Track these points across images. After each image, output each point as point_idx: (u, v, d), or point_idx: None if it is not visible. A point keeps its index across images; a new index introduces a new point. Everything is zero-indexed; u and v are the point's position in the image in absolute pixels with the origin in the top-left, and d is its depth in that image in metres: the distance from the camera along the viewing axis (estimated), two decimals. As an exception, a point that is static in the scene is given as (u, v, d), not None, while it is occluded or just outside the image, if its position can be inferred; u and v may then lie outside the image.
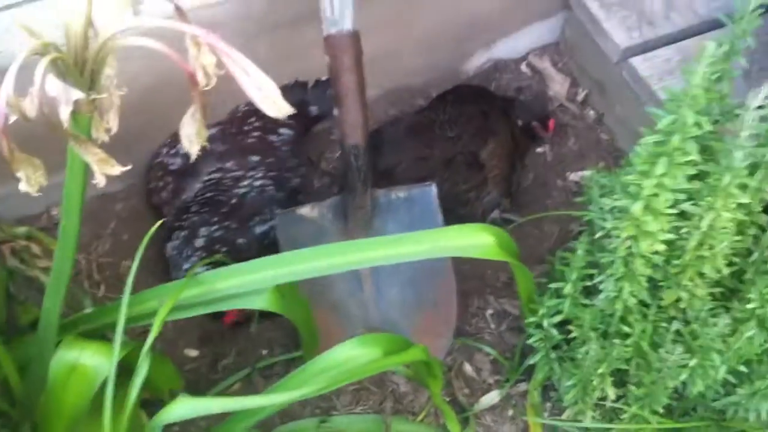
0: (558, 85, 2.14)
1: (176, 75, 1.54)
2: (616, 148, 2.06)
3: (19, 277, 1.75)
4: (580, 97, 2.12)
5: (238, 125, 1.86)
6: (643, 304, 1.44)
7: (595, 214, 1.44)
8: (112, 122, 1.17)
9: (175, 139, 1.83)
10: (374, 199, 1.68)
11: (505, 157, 1.89)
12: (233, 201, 1.76)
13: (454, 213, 1.84)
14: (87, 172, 1.10)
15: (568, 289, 1.46)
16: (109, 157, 1.05)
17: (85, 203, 1.85)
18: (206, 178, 1.79)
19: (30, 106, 0.98)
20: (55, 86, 0.99)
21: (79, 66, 1.06)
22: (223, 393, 1.68)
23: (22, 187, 1.06)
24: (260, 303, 1.26)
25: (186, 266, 1.67)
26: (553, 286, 1.49)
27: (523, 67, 2.18)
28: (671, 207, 1.26)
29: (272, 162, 1.82)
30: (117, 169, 1.07)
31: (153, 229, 1.24)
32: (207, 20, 1.60)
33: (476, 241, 1.27)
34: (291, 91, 1.89)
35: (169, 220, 1.76)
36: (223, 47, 0.90)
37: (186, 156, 1.74)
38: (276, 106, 0.94)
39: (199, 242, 1.70)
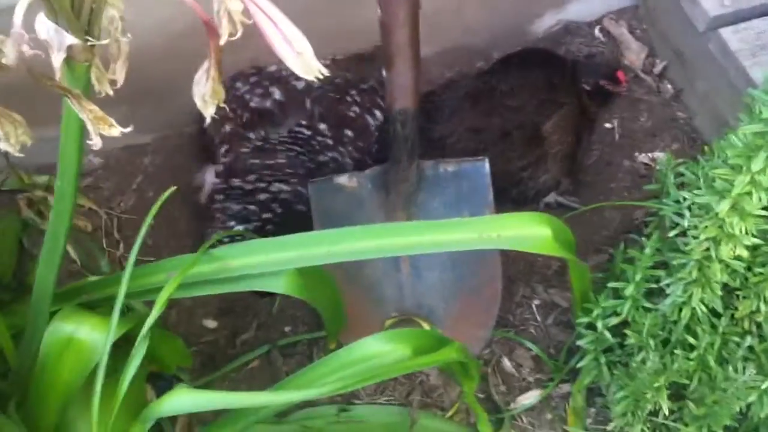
0: (633, 54, 1.93)
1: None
2: (693, 128, 1.85)
3: (34, 231, 1.64)
4: (658, 68, 1.91)
5: (341, 92, 1.69)
6: (714, 313, 1.27)
7: (669, 209, 1.25)
8: (119, 74, 1.02)
9: (261, 76, 1.70)
10: (420, 172, 1.52)
11: (570, 131, 1.70)
12: (312, 166, 1.61)
13: (506, 192, 1.68)
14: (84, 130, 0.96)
15: (630, 290, 1.28)
16: (106, 115, 0.91)
17: (109, 154, 1.76)
18: (296, 129, 1.63)
19: (10, 51, 0.84)
20: (45, 28, 0.85)
21: (76, 5, 0.92)
22: (240, 370, 1.56)
23: (1, 145, 0.93)
24: (279, 286, 1.12)
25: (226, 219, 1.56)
26: (612, 285, 1.31)
27: (597, 32, 1.98)
28: (764, 208, 1.08)
29: (362, 145, 1.66)
30: (116, 130, 0.93)
31: (165, 194, 1.08)
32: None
33: (530, 232, 1.11)
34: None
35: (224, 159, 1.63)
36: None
37: (277, 102, 1.65)
38: (308, 65, 0.79)
39: (261, 196, 1.57)
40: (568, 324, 1.61)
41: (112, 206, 1.71)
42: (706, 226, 1.11)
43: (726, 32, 1.69)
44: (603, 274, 1.45)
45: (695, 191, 1.12)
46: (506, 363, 1.58)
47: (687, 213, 1.18)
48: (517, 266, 1.69)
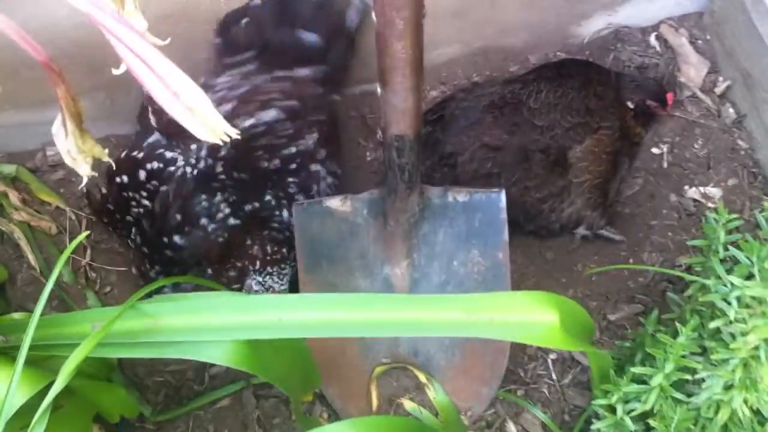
0: (693, 69, 1.66)
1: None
2: (755, 162, 1.59)
3: (-10, 227, 1.46)
4: (720, 88, 1.65)
5: None
6: (759, 417, 1.03)
7: (714, 296, 1.01)
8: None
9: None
10: (426, 199, 1.30)
11: (605, 159, 1.46)
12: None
13: (521, 227, 1.45)
14: None
15: (658, 379, 1.05)
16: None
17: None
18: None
19: None
20: None
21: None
22: (207, 408, 1.37)
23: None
24: (218, 357, 0.91)
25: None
26: (636, 371, 1.08)
27: (652, 40, 1.71)
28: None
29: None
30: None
31: (70, 247, 0.88)
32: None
33: (530, 317, 0.88)
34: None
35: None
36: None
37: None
38: (207, 125, 0.58)
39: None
40: (588, 386, 1.39)
41: (82, 206, 1.52)
42: (758, 326, 0.88)
43: (805, 55, 1.43)
44: (630, 343, 1.22)
45: (747, 283, 0.88)
46: (511, 428, 1.36)
47: (735, 302, 0.94)
48: (533, 311, 1.46)
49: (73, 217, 1.50)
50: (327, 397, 1.35)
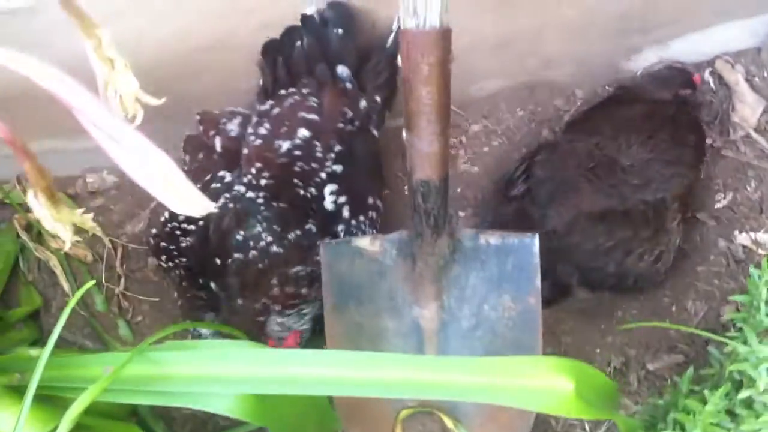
0: (748, 108, 1.59)
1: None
2: (808, 210, 1.51)
3: (31, 255, 1.48)
4: (778, 128, 1.58)
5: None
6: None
7: (744, 362, 0.96)
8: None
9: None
10: (457, 242, 1.27)
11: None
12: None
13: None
14: None
15: (686, 447, 1.00)
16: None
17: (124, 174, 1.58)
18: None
19: None
20: None
21: None
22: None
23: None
24: (227, 408, 0.90)
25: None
26: (665, 435, 1.03)
27: (706, 75, 1.64)
28: None
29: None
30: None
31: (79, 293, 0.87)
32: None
33: (545, 384, 0.84)
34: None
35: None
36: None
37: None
38: (184, 199, 0.56)
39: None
40: (622, 441, 1.33)
41: (119, 233, 1.53)
42: (790, 403, 0.82)
43: None
44: (663, 401, 1.16)
45: (778, 356, 0.83)
46: (539, 479, 1.32)
47: (764, 374, 0.89)
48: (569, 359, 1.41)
49: (110, 246, 1.51)
50: (350, 440, 1.33)
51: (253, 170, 1.33)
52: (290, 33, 1.40)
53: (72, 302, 0.87)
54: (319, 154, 1.37)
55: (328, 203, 1.36)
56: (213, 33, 1.34)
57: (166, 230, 1.32)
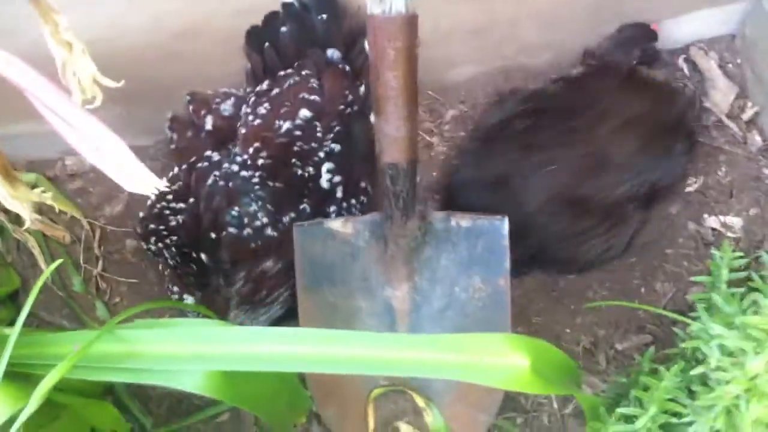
0: (720, 94, 1.62)
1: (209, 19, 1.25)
2: (776, 186, 1.54)
3: (9, 236, 1.50)
4: (747, 114, 1.60)
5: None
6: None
7: (697, 340, 0.98)
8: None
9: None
10: (428, 224, 1.29)
11: None
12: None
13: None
14: None
15: (642, 422, 1.03)
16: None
17: (105, 155, 1.59)
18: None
19: None
20: None
21: None
22: (208, 422, 1.40)
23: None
24: (196, 385, 0.92)
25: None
26: (622, 411, 1.06)
27: (681, 62, 1.67)
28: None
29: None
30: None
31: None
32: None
33: (501, 361, 0.86)
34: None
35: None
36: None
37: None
38: (136, 179, 0.58)
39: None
40: (589, 417, 1.36)
41: (97, 215, 1.55)
42: (735, 378, 0.85)
43: (832, 86, 1.37)
44: (626, 379, 1.19)
45: (724, 334, 0.86)
46: (508, 456, 1.35)
47: (716, 351, 0.91)
48: (540, 338, 1.44)
49: (88, 227, 1.53)
50: (323, 419, 1.35)
51: (251, 150, 1.36)
52: (272, 19, 1.42)
53: (43, 277, 0.89)
54: (319, 134, 1.40)
55: (324, 181, 1.38)
56: (188, 19, 1.35)
57: (154, 212, 1.34)
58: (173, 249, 1.34)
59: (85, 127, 0.57)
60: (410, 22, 1.01)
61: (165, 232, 1.33)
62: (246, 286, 1.29)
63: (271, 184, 1.34)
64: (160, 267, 1.39)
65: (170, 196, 1.32)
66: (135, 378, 0.93)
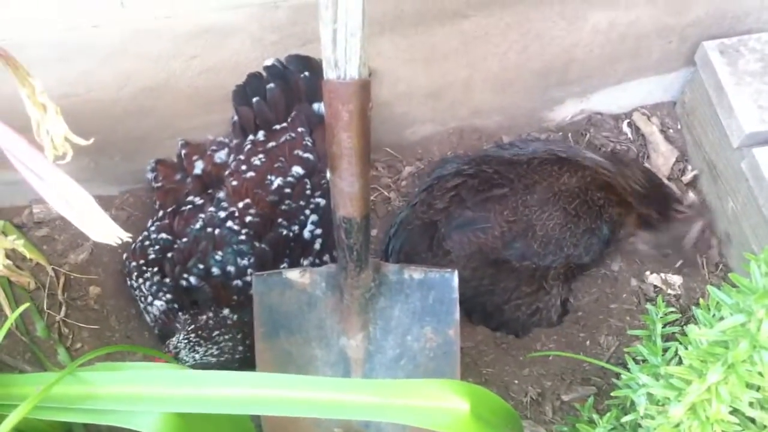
0: (661, 158, 1.71)
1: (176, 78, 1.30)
2: (717, 251, 1.62)
3: (-27, 281, 1.52)
4: (687, 177, 1.69)
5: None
6: None
7: (626, 389, 1.05)
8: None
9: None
10: (383, 275, 1.35)
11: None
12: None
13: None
14: None
15: (579, 467, 1.08)
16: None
17: (71, 204, 1.64)
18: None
19: None
20: None
21: None
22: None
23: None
24: (150, 426, 0.96)
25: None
26: (562, 455, 1.12)
27: (624, 126, 1.76)
28: (732, 413, 0.88)
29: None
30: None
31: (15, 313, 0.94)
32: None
33: (442, 405, 0.92)
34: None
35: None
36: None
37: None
38: (101, 230, 0.64)
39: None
40: (538, 465, 1.42)
41: (62, 262, 1.59)
42: (662, 424, 0.91)
43: (761, 153, 1.47)
44: (568, 429, 1.25)
45: (649, 385, 0.92)
46: (454, 503, 1.39)
47: (643, 399, 0.98)
48: (489, 389, 1.48)
49: (52, 274, 1.57)
50: (277, 460, 1.39)
51: (241, 205, 1.46)
52: (255, 78, 1.50)
53: (7, 324, 0.93)
54: (308, 192, 1.50)
55: (307, 232, 1.47)
56: (154, 78, 1.41)
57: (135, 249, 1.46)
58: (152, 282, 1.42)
59: (54, 181, 0.62)
60: (363, 86, 1.08)
61: (145, 267, 1.42)
62: (208, 322, 1.36)
63: (257, 244, 1.43)
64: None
65: (153, 235, 1.45)
66: (94, 419, 0.97)
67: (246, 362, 1.42)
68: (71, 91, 1.39)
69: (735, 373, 0.80)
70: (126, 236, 0.64)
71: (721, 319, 0.80)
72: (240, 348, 1.40)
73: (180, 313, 1.39)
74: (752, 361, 0.78)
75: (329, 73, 1.08)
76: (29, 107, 0.73)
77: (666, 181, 1.66)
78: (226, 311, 1.39)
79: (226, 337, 1.38)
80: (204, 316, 1.38)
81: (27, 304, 1.01)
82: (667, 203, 1.59)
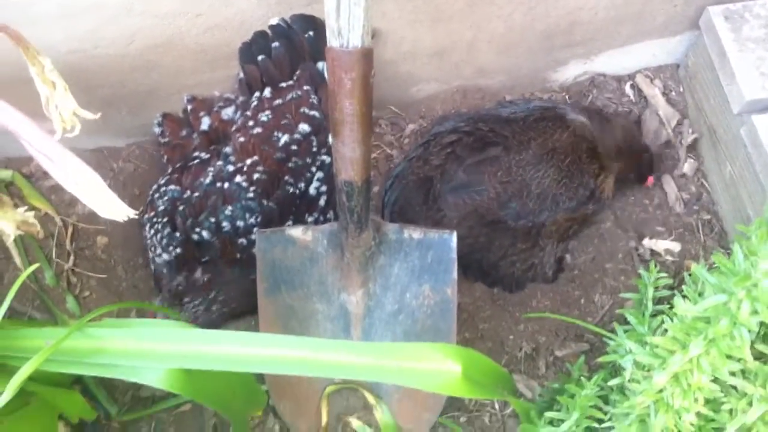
0: (663, 120, 1.72)
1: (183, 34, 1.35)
2: (713, 213, 1.65)
3: (-16, 230, 1.56)
4: (688, 140, 1.71)
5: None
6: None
7: (613, 355, 1.09)
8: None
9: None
10: (383, 234, 1.38)
11: (574, 221, 1.58)
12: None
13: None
14: None
15: (567, 426, 1.13)
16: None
17: (80, 155, 1.66)
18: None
19: None
20: None
21: None
22: (171, 411, 1.48)
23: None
24: (158, 380, 1.01)
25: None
26: (550, 415, 1.16)
27: (627, 88, 1.78)
28: (713, 381, 0.92)
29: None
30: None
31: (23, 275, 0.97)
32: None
33: (435, 367, 0.96)
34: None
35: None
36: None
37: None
38: (108, 207, 0.67)
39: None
40: (528, 418, 1.46)
41: (70, 212, 1.62)
42: (644, 390, 0.95)
43: (760, 120, 1.49)
44: (558, 385, 1.29)
45: (635, 351, 0.96)
46: (449, 452, 1.45)
47: (629, 365, 1.02)
48: (484, 344, 1.55)
49: (60, 224, 1.60)
50: (279, 412, 1.44)
51: (248, 161, 1.48)
52: (261, 37, 1.52)
53: (21, 278, 0.97)
54: (314, 149, 1.52)
55: (312, 188, 1.50)
56: (160, 34, 1.43)
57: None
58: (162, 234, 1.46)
59: (65, 164, 0.64)
60: (365, 54, 1.10)
61: (155, 219, 1.47)
62: (178, 287, 1.41)
63: (264, 202, 1.46)
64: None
65: (164, 187, 1.49)
66: (102, 372, 1.01)
67: (224, 317, 1.49)
68: (79, 47, 1.41)
69: (716, 347, 0.83)
70: (133, 213, 0.67)
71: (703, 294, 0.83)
72: (214, 308, 1.45)
73: (165, 270, 1.43)
74: (732, 336, 0.81)
75: (332, 41, 1.10)
76: (39, 84, 0.75)
77: (650, 146, 1.68)
78: (198, 273, 1.43)
79: (196, 302, 1.42)
80: (175, 282, 1.42)
81: (37, 265, 1.04)
82: (647, 168, 1.62)
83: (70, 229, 1.61)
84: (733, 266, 0.79)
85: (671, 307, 1.19)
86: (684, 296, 0.93)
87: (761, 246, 0.76)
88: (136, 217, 0.69)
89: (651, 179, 1.62)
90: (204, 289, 1.43)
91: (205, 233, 1.44)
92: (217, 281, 1.43)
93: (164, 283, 1.43)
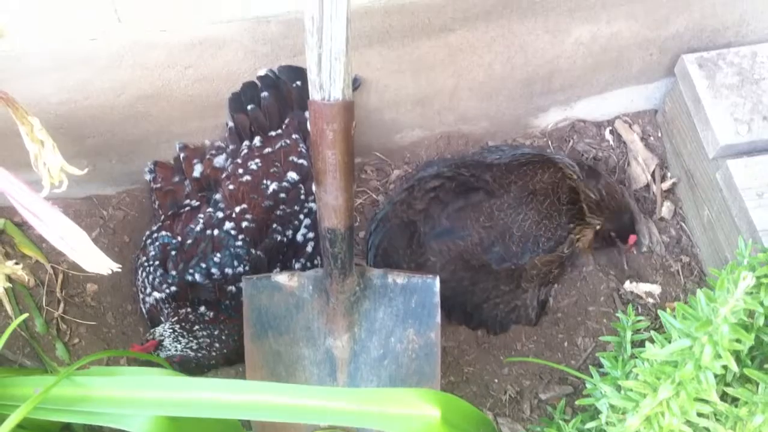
0: (641, 166, 1.76)
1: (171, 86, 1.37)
2: (693, 255, 1.69)
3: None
4: (666, 184, 1.75)
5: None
6: None
7: (589, 398, 1.11)
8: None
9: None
10: (367, 279, 1.41)
11: (553, 267, 1.60)
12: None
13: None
14: None
15: (547, 468, 1.15)
16: None
17: (71, 203, 1.70)
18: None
19: None
20: None
21: None
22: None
23: None
24: (142, 428, 1.02)
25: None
26: (531, 458, 1.18)
27: (607, 134, 1.82)
28: (686, 423, 0.94)
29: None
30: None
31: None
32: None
33: (414, 412, 0.98)
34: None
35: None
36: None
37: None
38: (89, 260, 0.70)
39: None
40: (513, 461, 1.48)
41: (60, 260, 1.64)
42: (619, 433, 0.98)
43: (735, 165, 1.53)
44: (540, 428, 1.31)
45: (610, 395, 0.98)
46: (434, 496, 1.46)
47: (605, 408, 1.04)
48: (469, 387, 1.57)
49: (51, 272, 1.63)
50: (266, 456, 1.46)
51: (237, 209, 1.53)
52: (250, 87, 1.56)
53: (12, 326, 0.99)
54: (302, 197, 1.57)
55: (300, 235, 1.55)
56: (150, 86, 1.47)
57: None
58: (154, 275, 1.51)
59: (52, 221, 0.67)
60: (346, 107, 1.14)
61: (148, 263, 1.51)
62: (188, 316, 1.46)
63: (253, 251, 1.50)
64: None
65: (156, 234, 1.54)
66: (89, 419, 1.03)
67: (222, 359, 1.51)
68: (70, 97, 1.45)
69: (684, 390, 0.86)
70: (116, 267, 0.70)
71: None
72: (216, 345, 1.48)
73: (165, 305, 1.47)
74: (699, 379, 0.84)
75: (314, 94, 1.14)
76: (28, 142, 0.78)
77: (634, 206, 1.71)
78: (202, 308, 1.47)
79: (204, 333, 1.46)
80: (183, 310, 1.45)
81: (26, 315, 1.06)
82: (629, 227, 1.65)
83: (60, 277, 1.63)
84: (695, 312, 0.82)
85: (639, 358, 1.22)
86: (651, 341, 0.96)
87: (720, 292, 0.79)
88: (120, 270, 0.72)
89: (634, 237, 1.65)
90: (211, 322, 1.47)
91: (197, 276, 1.47)
92: (220, 319, 1.47)
93: (167, 314, 1.47)
